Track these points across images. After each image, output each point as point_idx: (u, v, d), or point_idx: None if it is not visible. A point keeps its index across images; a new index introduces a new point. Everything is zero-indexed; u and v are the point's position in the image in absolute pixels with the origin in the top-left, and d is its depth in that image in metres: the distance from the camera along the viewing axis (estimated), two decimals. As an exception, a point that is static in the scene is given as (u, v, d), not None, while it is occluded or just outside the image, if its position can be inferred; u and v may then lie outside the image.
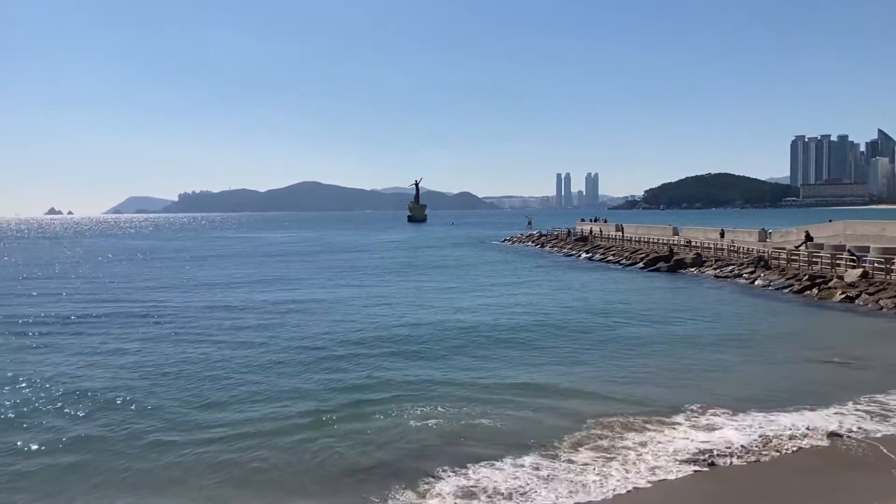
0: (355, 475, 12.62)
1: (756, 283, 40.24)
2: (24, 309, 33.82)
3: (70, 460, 13.45)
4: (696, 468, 12.66)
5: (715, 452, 13.32)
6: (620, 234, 69.95)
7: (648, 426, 14.83)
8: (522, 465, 12.84)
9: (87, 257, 75.37)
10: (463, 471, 12.59)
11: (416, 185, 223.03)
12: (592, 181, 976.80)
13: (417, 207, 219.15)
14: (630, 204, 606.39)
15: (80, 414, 16.28)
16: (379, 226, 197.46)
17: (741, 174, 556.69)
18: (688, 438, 14.14)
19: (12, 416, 16.24)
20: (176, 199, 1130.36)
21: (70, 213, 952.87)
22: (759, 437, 14.17)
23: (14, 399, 17.55)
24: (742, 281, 41.44)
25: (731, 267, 45.04)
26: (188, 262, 65.32)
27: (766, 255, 43.85)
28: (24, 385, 18.89)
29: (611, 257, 59.64)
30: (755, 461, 13.01)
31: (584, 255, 64.56)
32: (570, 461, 13.04)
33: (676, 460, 13.02)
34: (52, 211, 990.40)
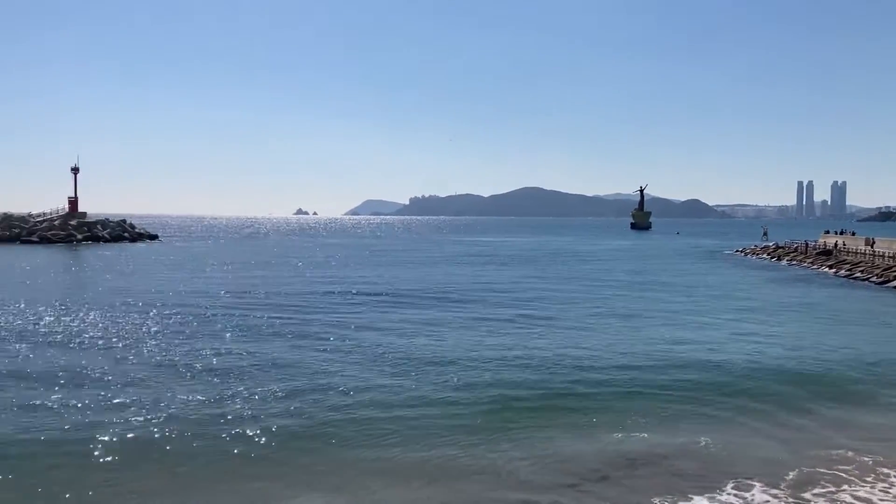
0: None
1: None
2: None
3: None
4: None
5: None
6: (870, 248, 64.47)
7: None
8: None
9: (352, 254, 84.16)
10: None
11: (641, 191, 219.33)
12: (839, 190, 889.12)
13: (641, 214, 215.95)
14: (884, 216, 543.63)
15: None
16: (601, 232, 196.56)
17: None
18: None
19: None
20: (407, 202, 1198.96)
21: (315, 213, 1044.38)
22: None
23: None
24: None
25: None
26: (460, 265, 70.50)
27: None
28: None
29: (858, 273, 55.51)
30: None
31: (826, 269, 60.78)
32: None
33: None
34: (299, 211, 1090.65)
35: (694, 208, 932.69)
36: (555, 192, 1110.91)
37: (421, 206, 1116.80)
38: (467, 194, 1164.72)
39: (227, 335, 27.24)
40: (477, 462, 14.13)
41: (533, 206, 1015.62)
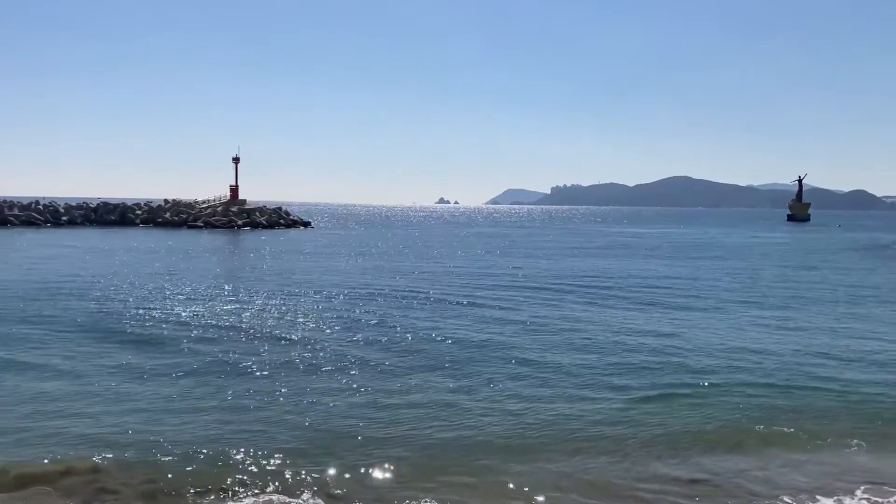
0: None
1: None
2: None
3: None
4: None
5: None
6: None
7: None
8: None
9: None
10: None
11: (800, 181, 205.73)
12: None
13: (800, 206, 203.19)
14: None
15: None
16: (756, 224, 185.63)
17: None
18: None
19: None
20: (548, 191, 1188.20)
21: (456, 202, 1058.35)
22: None
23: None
24: None
25: None
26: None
27: None
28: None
29: None
30: None
31: None
32: None
33: None
34: (441, 200, 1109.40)
35: (859, 199, 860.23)
36: (705, 181, 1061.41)
37: (562, 195, 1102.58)
38: (611, 183, 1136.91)
39: (445, 318, 28.13)
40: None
41: (681, 195, 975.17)
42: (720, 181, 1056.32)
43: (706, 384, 18.73)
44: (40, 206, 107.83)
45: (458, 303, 32.60)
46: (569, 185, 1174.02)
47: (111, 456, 13.15)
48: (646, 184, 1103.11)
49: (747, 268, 54.48)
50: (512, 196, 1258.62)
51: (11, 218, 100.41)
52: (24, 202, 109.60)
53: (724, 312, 31.34)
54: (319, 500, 11.71)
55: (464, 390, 17.97)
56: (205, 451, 13.48)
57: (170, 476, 12.38)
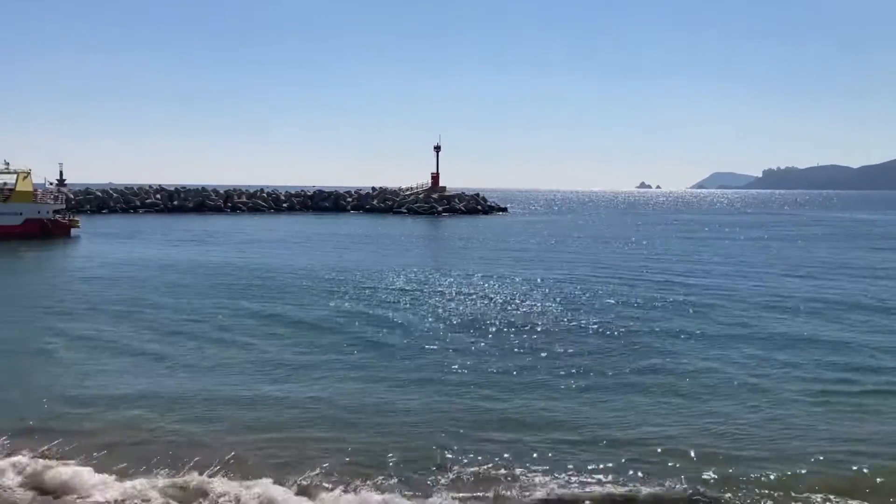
0: None
1: None
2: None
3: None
4: None
5: None
6: None
7: None
8: None
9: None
10: None
11: None
12: None
13: None
14: None
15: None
16: None
17: None
18: None
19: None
20: (759, 175, 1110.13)
21: (658, 186, 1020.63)
22: None
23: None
24: None
25: None
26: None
27: None
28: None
29: None
30: None
31: None
32: None
33: None
34: (642, 185, 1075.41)
35: None
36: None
37: (775, 178, 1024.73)
38: (831, 165, 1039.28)
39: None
40: None
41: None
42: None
43: None
44: (264, 194, 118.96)
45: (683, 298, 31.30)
46: (782, 167, 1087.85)
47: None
48: (873, 165, 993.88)
49: None
50: (719, 180, 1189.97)
51: (240, 205, 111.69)
52: (251, 190, 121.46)
53: None
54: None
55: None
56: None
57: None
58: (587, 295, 30.37)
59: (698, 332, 22.96)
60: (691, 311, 26.83)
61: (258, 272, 37.35)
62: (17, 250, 49.78)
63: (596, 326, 23.66)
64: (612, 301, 28.84)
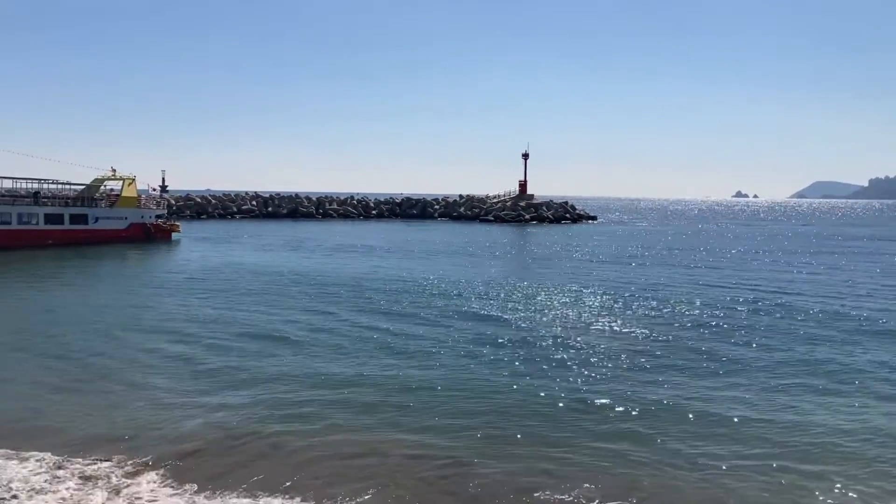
0: None
1: None
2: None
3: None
4: None
5: None
6: None
7: None
8: None
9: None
10: None
11: None
12: None
13: None
14: None
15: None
16: None
17: None
18: None
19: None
20: (865, 184, 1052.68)
21: (755, 196, 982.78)
22: None
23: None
24: None
25: None
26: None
27: None
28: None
29: None
30: None
31: None
32: None
33: None
34: (738, 194, 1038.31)
35: None
36: None
37: (884, 188, 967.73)
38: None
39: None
40: None
41: None
42: None
43: None
44: (354, 201, 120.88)
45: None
46: (891, 175, 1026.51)
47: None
48: None
49: None
50: (821, 189, 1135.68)
51: (331, 212, 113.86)
52: (341, 197, 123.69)
53: None
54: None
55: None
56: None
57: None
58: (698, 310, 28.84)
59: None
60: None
61: (354, 277, 37.56)
62: (121, 253, 52.05)
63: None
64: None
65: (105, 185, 64.26)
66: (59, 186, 63.12)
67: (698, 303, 30.18)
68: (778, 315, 27.39)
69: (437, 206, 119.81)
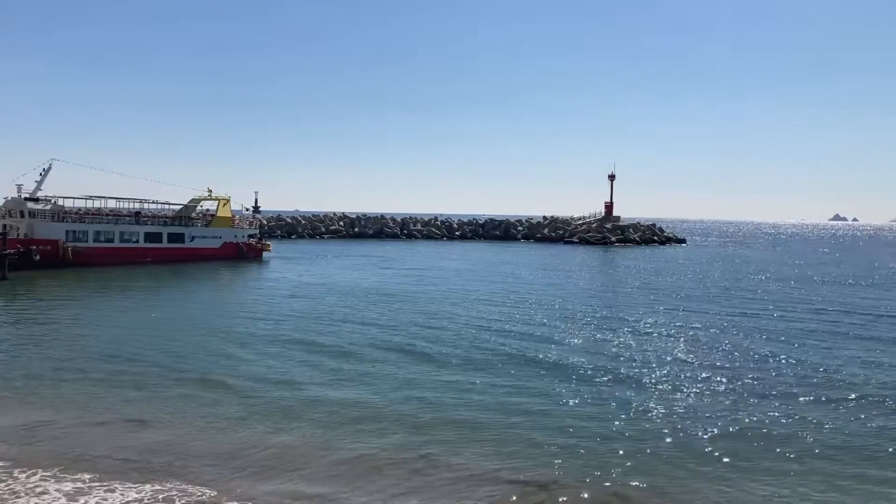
0: None
1: None
2: None
3: None
4: None
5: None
6: None
7: None
8: None
9: None
10: None
11: None
12: None
13: None
14: None
15: None
16: None
17: None
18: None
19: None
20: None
21: (855, 219, 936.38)
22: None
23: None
24: None
25: None
26: None
27: None
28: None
29: None
30: None
31: None
32: None
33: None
34: (836, 217, 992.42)
35: None
36: None
37: None
38: None
39: None
40: None
41: None
42: None
43: None
44: (438, 222, 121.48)
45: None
46: None
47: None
48: None
49: None
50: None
51: (415, 232, 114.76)
52: (425, 218, 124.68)
53: None
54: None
55: None
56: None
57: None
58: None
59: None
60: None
61: (441, 294, 37.55)
62: (215, 270, 53.78)
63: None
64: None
65: (201, 206, 66.75)
66: (159, 206, 65.98)
67: None
68: None
69: (520, 228, 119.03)
